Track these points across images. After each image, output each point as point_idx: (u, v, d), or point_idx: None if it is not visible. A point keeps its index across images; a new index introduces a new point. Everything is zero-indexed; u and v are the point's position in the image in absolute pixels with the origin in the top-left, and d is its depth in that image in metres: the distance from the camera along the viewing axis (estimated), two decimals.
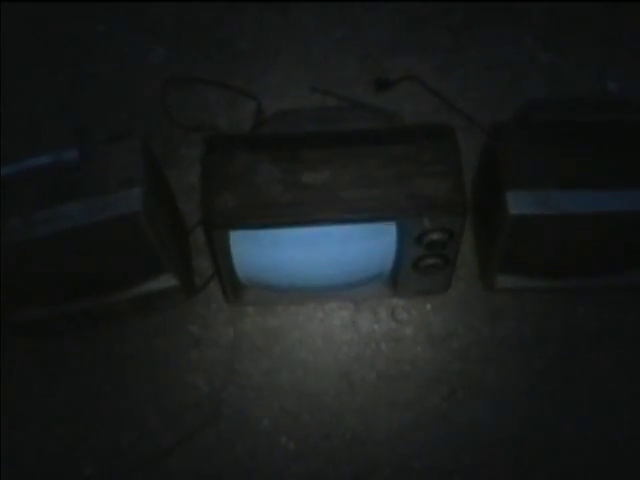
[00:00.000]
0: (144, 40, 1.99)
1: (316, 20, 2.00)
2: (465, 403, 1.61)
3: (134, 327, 1.67)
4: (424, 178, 1.39)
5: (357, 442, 1.58)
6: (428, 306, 1.68)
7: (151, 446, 1.59)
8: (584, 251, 1.54)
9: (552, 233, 1.47)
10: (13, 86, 1.89)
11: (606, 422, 1.60)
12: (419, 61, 1.96)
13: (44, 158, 1.41)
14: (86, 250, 1.45)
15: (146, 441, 1.60)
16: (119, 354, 1.66)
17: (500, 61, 1.96)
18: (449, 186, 1.39)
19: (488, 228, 1.54)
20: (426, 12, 2.02)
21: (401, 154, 1.41)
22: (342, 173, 1.40)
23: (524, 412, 1.61)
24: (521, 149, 1.45)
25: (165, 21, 2.01)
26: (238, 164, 1.41)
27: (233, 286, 1.58)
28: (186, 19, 2.01)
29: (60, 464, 1.58)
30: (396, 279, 1.59)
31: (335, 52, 1.97)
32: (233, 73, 1.94)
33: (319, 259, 1.52)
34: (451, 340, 1.66)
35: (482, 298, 1.68)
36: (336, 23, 2.00)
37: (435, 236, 1.42)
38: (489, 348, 1.65)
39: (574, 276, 1.63)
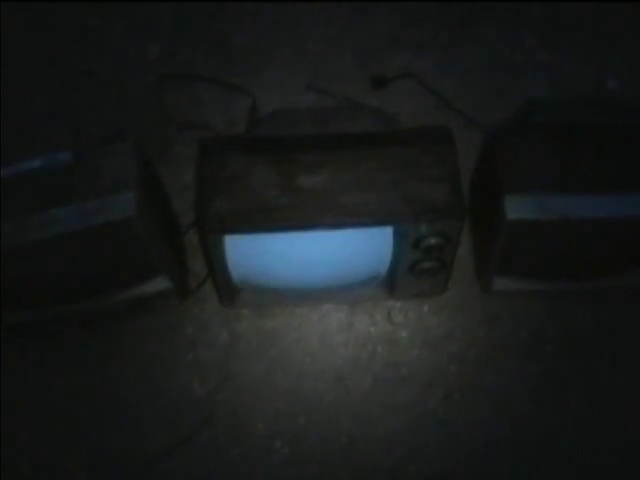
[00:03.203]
0: (139, 36, 1.96)
1: (312, 17, 1.98)
2: (462, 406, 1.60)
3: (129, 329, 1.66)
4: (421, 182, 1.38)
5: (353, 446, 1.57)
6: (425, 308, 1.67)
7: (145, 449, 1.58)
8: (582, 254, 1.53)
9: (550, 237, 1.46)
10: (4, 84, 1.87)
11: (605, 425, 1.59)
12: (417, 58, 1.94)
13: (37, 161, 1.40)
14: (79, 253, 1.44)
15: (140, 444, 1.58)
16: (114, 356, 1.65)
17: (499, 59, 1.94)
18: (447, 190, 1.37)
19: (485, 230, 1.53)
20: (424, 8, 1.99)
21: (398, 157, 1.40)
22: (338, 176, 1.38)
23: (522, 415, 1.60)
24: (519, 151, 1.43)
25: (161, 17, 1.98)
26: (233, 167, 1.39)
27: (228, 288, 1.57)
28: (182, 15, 1.99)
29: (53, 467, 1.57)
30: (392, 282, 1.57)
31: (332, 49, 1.94)
32: (229, 70, 1.91)
33: (315, 261, 1.51)
34: (448, 343, 1.65)
35: (479, 300, 1.67)
36: (333, 20, 1.98)
37: (432, 240, 1.41)
38: (486, 351, 1.64)
39: (572, 278, 1.61)
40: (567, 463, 1.56)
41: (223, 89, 1.90)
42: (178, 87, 1.90)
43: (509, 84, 1.90)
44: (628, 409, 1.60)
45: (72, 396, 1.62)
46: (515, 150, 1.44)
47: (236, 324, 1.66)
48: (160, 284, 1.58)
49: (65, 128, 1.83)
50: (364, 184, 1.38)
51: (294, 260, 1.49)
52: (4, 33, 1.94)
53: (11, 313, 1.56)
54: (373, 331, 1.66)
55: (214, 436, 1.59)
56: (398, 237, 1.42)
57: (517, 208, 1.37)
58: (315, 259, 1.50)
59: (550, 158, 1.43)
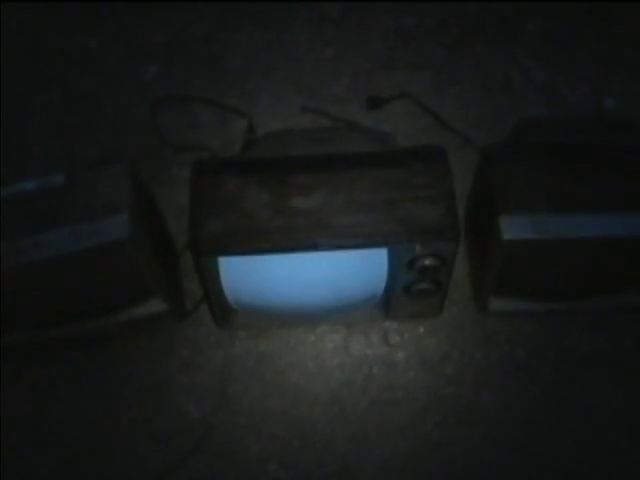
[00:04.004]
0: (136, 58, 1.97)
1: (308, 37, 1.98)
2: (458, 429, 1.58)
3: (124, 351, 1.65)
4: (416, 203, 1.37)
5: (348, 469, 1.56)
6: (421, 329, 1.66)
7: (140, 471, 1.57)
8: (579, 274, 1.52)
9: (546, 257, 1.45)
10: (2, 105, 1.87)
11: (603, 447, 1.57)
12: (413, 78, 1.94)
13: (31, 182, 1.39)
14: (72, 276, 1.43)
15: (135, 466, 1.57)
16: (107, 378, 1.64)
17: (495, 78, 1.94)
18: (441, 211, 1.36)
19: (481, 251, 1.52)
20: (420, 28, 2.00)
21: (393, 178, 1.39)
22: (332, 198, 1.37)
23: (520, 437, 1.58)
24: (515, 172, 1.43)
25: (157, 38, 1.99)
26: (226, 189, 1.39)
27: (223, 310, 1.56)
28: (178, 36, 1.99)
29: None
30: (388, 303, 1.56)
31: (328, 70, 1.95)
32: (225, 91, 1.91)
33: (309, 282, 1.50)
34: (444, 364, 1.63)
35: (476, 321, 1.66)
36: (329, 40, 1.98)
37: (427, 262, 1.40)
38: (483, 372, 1.63)
39: (569, 299, 1.60)
40: None
41: (219, 110, 1.90)
42: (175, 108, 1.90)
43: (506, 103, 1.90)
44: (629, 430, 1.59)
45: (66, 417, 1.61)
46: (510, 170, 1.43)
47: (231, 346, 1.65)
48: (155, 306, 1.57)
49: (62, 149, 1.84)
50: (358, 205, 1.37)
51: (289, 282, 1.49)
52: (2, 54, 1.95)
53: (5, 334, 1.55)
54: (369, 353, 1.65)
55: (209, 458, 1.57)
56: (393, 258, 1.41)
57: (513, 228, 1.37)
58: (310, 281, 1.49)
59: (546, 178, 1.42)
